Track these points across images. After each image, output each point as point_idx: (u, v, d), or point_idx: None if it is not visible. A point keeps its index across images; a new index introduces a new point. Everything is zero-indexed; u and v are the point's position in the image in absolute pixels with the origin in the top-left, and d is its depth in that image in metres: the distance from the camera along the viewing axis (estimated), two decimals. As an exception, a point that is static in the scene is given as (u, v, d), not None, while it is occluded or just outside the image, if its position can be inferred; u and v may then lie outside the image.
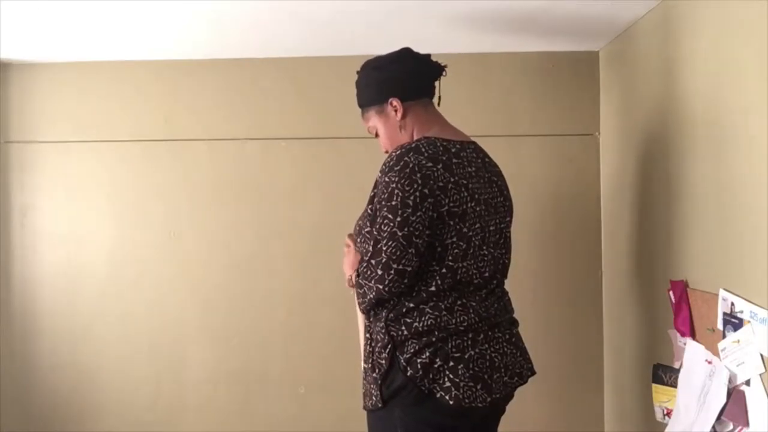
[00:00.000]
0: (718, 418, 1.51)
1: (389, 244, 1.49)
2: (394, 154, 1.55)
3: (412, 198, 1.49)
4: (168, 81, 2.54)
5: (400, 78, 1.68)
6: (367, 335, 1.63)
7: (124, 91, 2.54)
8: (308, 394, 2.52)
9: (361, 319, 1.70)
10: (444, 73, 1.72)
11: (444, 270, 1.54)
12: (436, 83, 1.73)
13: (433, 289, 1.54)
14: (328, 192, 2.51)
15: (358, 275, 1.59)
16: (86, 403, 2.55)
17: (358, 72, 1.75)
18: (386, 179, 1.53)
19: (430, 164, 1.52)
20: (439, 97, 1.74)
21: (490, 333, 1.58)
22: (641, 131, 2.06)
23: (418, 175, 1.50)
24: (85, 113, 2.55)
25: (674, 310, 1.78)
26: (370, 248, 1.53)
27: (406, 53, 1.70)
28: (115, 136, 2.54)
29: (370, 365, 1.59)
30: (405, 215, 1.49)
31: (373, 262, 1.52)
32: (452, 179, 1.54)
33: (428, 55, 1.71)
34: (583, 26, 2.16)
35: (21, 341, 2.55)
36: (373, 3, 1.92)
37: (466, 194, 1.56)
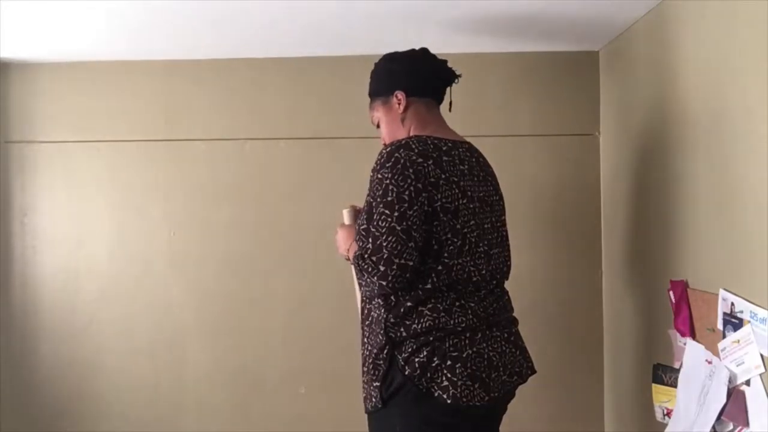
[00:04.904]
0: (718, 418, 1.51)
1: (389, 239, 1.49)
2: (384, 151, 1.57)
3: (407, 193, 1.50)
4: (168, 81, 2.53)
5: (410, 73, 1.71)
6: (364, 339, 1.63)
7: (124, 91, 2.54)
8: (308, 394, 2.51)
9: (357, 291, 1.74)
10: (456, 81, 1.75)
11: (440, 267, 1.54)
12: (448, 89, 1.75)
13: (429, 287, 1.54)
14: (328, 192, 2.51)
15: (359, 268, 1.56)
16: (86, 403, 2.54)
17: (375, 63, 1.78)
18: (379, 176, 1.55)
19: (420, 160, 1.54)
20: (450, 103, 1.76)
21: (488, 332, 1.58)
22: (641, 131, 2.06)
23: (411, 170, 1.52)
24: (85, 113, 2.55)
25: (674, 310, 1.78)
26: (369, 245, 1.52)
27: (422, 52, 1.74)
28: (115, 136, 2.54)
29: (367, 368, 1.60)
30: (402, 210, 1.49)
31: (374, 258, 1.50)
32: (443, 176, 1.55)
33: (445, 61, 1.73)
34: (583, 26, 2.16)
35: (21, 341, 2.55)
36: (373, 3, 1.92)
37: (457, 191, 1.57)
